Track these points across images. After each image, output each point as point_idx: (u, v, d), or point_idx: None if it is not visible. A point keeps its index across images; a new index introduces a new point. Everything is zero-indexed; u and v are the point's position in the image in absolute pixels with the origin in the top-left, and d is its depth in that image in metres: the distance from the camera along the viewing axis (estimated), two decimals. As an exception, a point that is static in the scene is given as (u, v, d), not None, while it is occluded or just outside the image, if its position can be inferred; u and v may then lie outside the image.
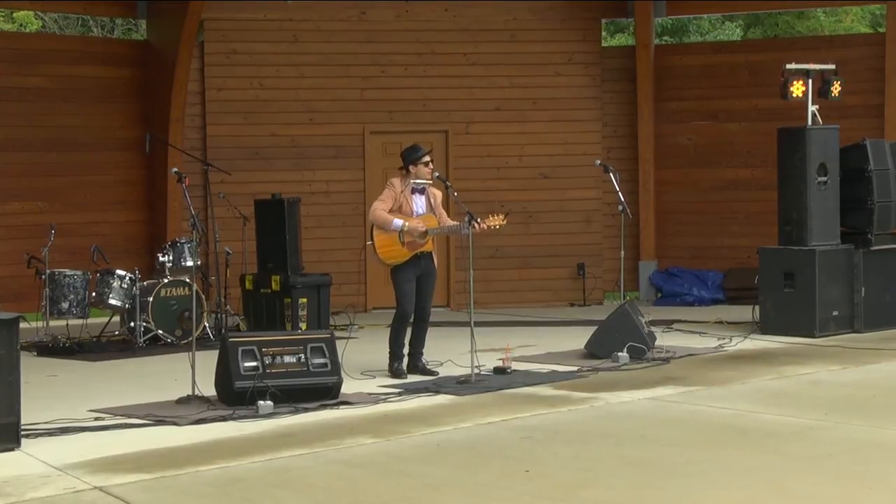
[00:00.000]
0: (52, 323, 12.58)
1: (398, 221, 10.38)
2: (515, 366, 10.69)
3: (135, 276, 12.75)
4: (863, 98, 15.25)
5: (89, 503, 6.55)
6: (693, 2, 17.93)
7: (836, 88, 13.24)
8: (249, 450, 7.67)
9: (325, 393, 9.19)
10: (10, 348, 7.64)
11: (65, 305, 12.57)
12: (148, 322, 12.60)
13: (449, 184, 10.75)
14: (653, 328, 11.80)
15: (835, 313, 12.85)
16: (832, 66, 13.41)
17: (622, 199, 11.94)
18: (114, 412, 8.89)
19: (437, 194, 10.73)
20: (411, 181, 10.54)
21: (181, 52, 15.01)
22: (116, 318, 13.08)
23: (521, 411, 8.90)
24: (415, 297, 10.51)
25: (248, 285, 13.43)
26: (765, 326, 12.92)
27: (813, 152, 12.88)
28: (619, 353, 11.02)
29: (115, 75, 15.49)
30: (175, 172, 10.32)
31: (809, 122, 13.04)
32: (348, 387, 9.59)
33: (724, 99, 16.46)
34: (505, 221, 10.43)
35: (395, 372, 10.49)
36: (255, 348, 9.11)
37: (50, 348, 12.20)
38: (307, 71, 15.84)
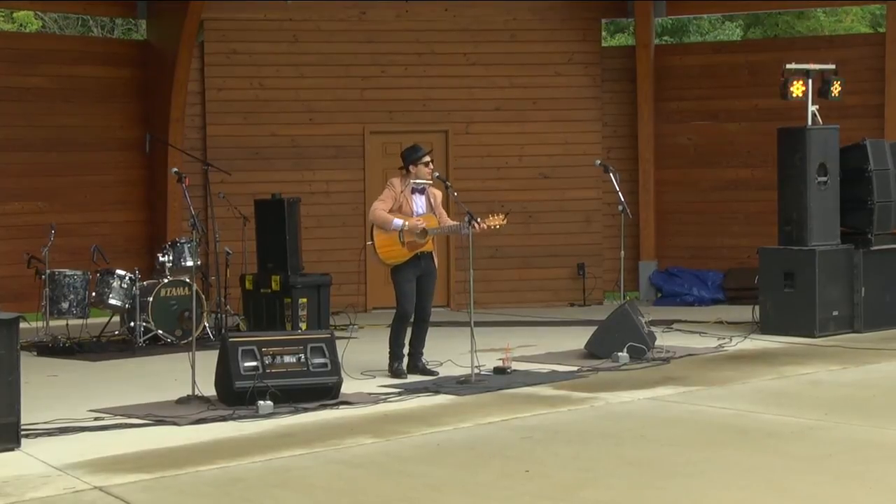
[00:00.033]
0: (52, 323, 12.58)
1: (398, 221, 10.38)
2: (515, 366, 10.69)
3: (135, 276, 12.75)
4: (863, 98, 15.25)
5: (89, 503, 6.55)
6: (693, 2, 17.93)
7: (836, 88, 13.24)
8: (249, 450, 7.67)
9: (325, 393, 9.19)
10: (10, 348, 7.64)
11: (65, 305, 12.57)
12: (148, 322, 12.60)
13: (449, 184, 10.75)
14: (653, 328, 11.80)
15: (835, 313, 12.85)
16: (832, 66, 13.41)
17: (622, 199, 11.94)
18: (114, 412, 8.89)
19: (438, 194, 10.73)
20: (411, 181, 10.54)
21: (181, 52, 15.02)
22: (116, 318, 13.08)
23: (521, 411, 8.90)
24: (415, 297, 10.52)
25: (248, 285, 13.43)
26: (765, 326, 12.92)
27: (813, 152, 12.88)
28: (619, 353, 11.02)
29: (115, 75, 15.49)
30: (175, 172, 10.32)
31: (809, 122, 13.04)
32: (348, 387, 9.59)
33: (724, 99, 16.46)
34: (505, 221, 10.43)
35: (395, 372, 10.49)
36: (255, 348, 9.11)
37: (50, 348, 12.20)
38: (307, 71, 15.84)
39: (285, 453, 7.59)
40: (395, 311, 10.63)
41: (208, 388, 9.22)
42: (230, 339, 9.17)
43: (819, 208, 12.92)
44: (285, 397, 8.95)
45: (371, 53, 15.95)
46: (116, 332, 12.97)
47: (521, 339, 12.50)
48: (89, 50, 16.06)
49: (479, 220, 10.18)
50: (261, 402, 8.80)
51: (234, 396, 8.92)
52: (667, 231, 16.72)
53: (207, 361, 9.43)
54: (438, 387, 9.82)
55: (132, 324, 12.59)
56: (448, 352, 11.08)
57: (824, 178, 12.98)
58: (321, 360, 9.28)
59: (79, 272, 12.70)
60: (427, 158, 10.59)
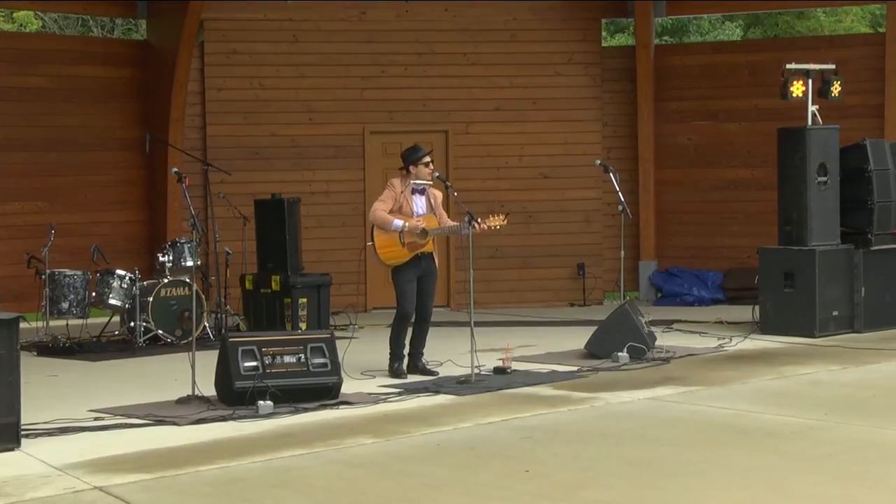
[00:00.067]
0: (52, 323, 12.58)
1: (398, 222, 10.37)
2: (515, 366, 10.69)
3: (135, 276, 12.75)
4: (863, 98, 15.25)
5: (89, 503, 6.55)
6: (693, 2, 17.93)
7: (836, 88, 13.24)
8: (249, 450, 7.67)
9: (325, 393, 9.19)
10: (10, 348, 7.64)
11: (65, 305, 12.57)
12: (148, 322, 12.60)
13: (449, 184, 10.75)
14: (653, 328, 11.80)
15: (835, 313, 12.85)
16: (832, 66, 13.41)
17: (622, 199, 11.94)
18: (114, 412, 8.89)
19: (438, 195, 10.73)
20: (411, 182, 10.54)
21: (181, 52, 15.01)
22: (116, 318, 13.08)
23: (521, 411, 8.90)
24: (416, 298, 10.51)
25: (248, 285, 13.43)
26: (765, 326, 12.92)
27: (813, 152, 12.88)
28: (619, 353, 11.02)
29: (115, 75, 15.48)
30: (175, 172, 10.32)
31: (809, 122, 13.04)
32: (348, 387, 9.59)
33: (724, 99, 16.46)
34: (505, 222, 10.43)
35: (395, 372, 10.49)
36: (255, 348, 9.11)
37: (50, 348, 12.20)
38: (307, 71, 15.84)
39: (285, 453, 7.59)
40: (395, 311, 10.63)
41: (208, 388, 9.22)
42: (230, 339, 9.17)
43: (819, 208, 12.92)
44: (285, 397, 8.95)
45: (371, 53, 15.95)
46: (116, 332, 12.97)
47: (521, 339, 12.49)
48: (89, 50, 16.06)
49: (479, 220, 10.18)
50: (261, 402, 8.80)
51: (234, 396, 8.92)
52: (667, 231, 16.72)
53: (207, 361, 9.43)
54: (438, 387, 9.82)
55: (132, 324, 12.59)
56: (448, 352, 11.08)
57: (824, 178, 12.98)
58: (321, 360, 9.28)
59: (79, 272, 12.70)
60: (427, 159, 10.58)
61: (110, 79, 15.43)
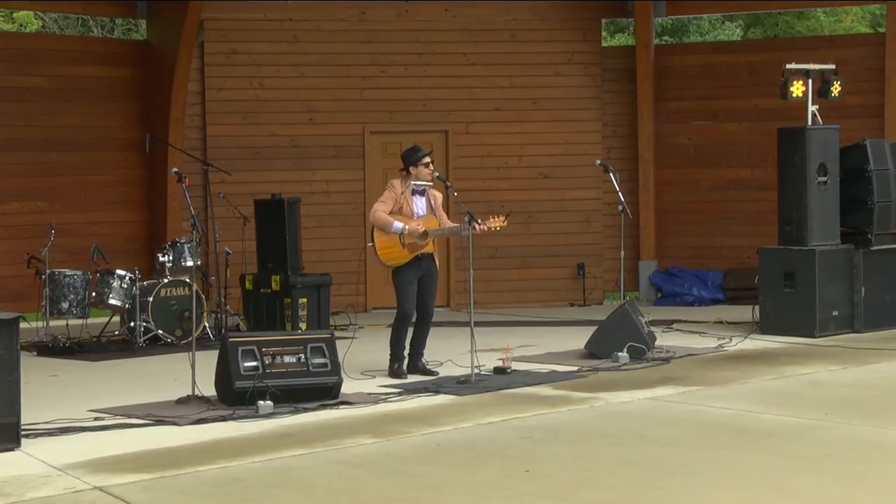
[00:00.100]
0: (52, 323, 12.58)
1: (398, 224, 10.37)
2: (515, 366, 10.69)
3: (135, 276, 12.75)
4: (863, 98, 15.25)
5: (89, 503, 6.55)
6: (693, 2, 17.93)
7: (836, 88, 13.24)
8: (249, 450, 7.68)
9: (325, 393, 9.19)
10: (10, 348, 7.64)
11: (65, 305, 12.57)
12: (148, 322, 12.60)
13: (449, 184, 10.75)
14: (653, 328, 11.80)
15: (835, 313, 12.85)
16: (832, 66, 13.41)
17: (622, 199, 11.94)
18: (114, 412, 8.89)
19: (438, 196, 10.73)
20: (412, 183, 10.53)
21: (181, 52, 15.02)
22: (116, 318, 13.09)
23: (521, 411, 8.90)
24: (418, 298, 10.51)
25: (248, 285, 13.42)
26: (765, 326, 12.92)
27: (813, 152, 12.88)
28: (619, 353, 11.02)
29: (115, 75, 15.48)
30: (175, 172, 10.32)
31: (809, 122, 13.04)
32: (348, 387, 9.59)
33: (724, 99, 16.46)
34: (505, 223, 10.43)
35: (395, 373, 10.48)
36: (255, 348, 9.11)
37: (50, 348, 12.20)
38: (307, 71, 15.84)
39: (285, 453, 7.59)
40: (395, 311, 10.63)
41: (208, 388, 9.22)
42: (230, 339, 9.17)
43: (819, 208, 12.92)
44: (285, 397, 8.95)
45: (371, 53, 15.95)
46: (116, 332, 12.97)
47: (521, 339, 12.50)
48: (89, 50, 16.06)
49: (479, 220, 10.18)
50: (261, 402, 8.80)
51: (234, 396, 8.92)
52: (667, 231, 16.72)
53: (207, 361, 9.43)
54: (438, 387, 9.82)
55: (132, 324, 12.59)
56: (448, 352, 11.08)
57: (824, 178, 12.98)
58: (321, 360, 9.28)
59: (79, 272, 12.70)
60: (427, 159, 10.58)
61: (110, 79, 15.43)
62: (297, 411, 8.84)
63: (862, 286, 13.02)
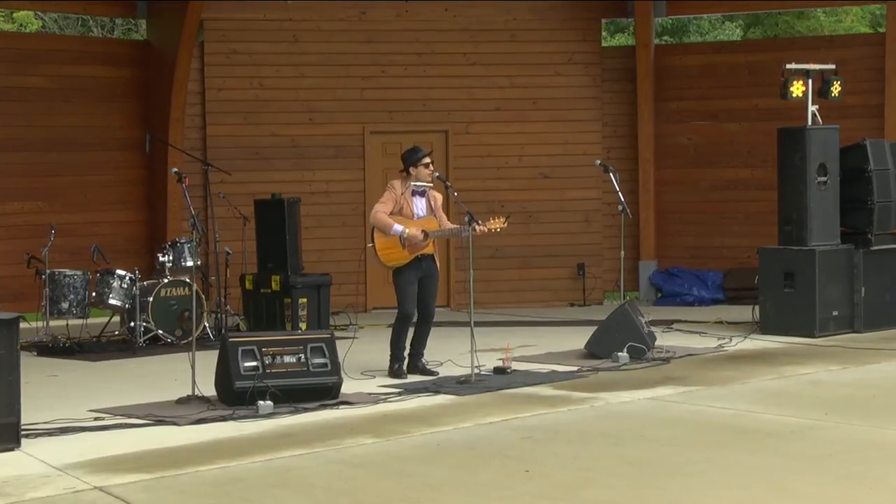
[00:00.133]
0: (52, 323, 12.58)
1: (398, 227, 10.36)
2: (515, 366, 10.69)
3: (135, 276, 12.75)
4: (863, 98, 15.25)
5: (89, 503, 6.55)
6: (693, 2, 17.93)
7: (836, 88, 13.24)
8: (249, 450, 7.68)
9: (325, 393, 9.19)
10: (10, 348, 7.64)
11: (65, 305, 12.57)
12: (148, 322, 12.60)
13: (449, 184, 10.75)
14: (653, 328, 11.79)
15: (835, 313, 12.85)
16: (832, 66, 13.41)
17: (622, 199, 11.94)
18: (114, 412, 8.89)
19: (438, 197, 10.73)
20: (412, 183, 10.53)
21: (181, 52, 15.01)
22: (116, 318, 13.09)
23: (521, 411, 8.90)
24: (419, 299, 10.52)
25: (248, 285, 13.43)
26: (765, 326, 12.92)
27: (813, 152, 12.88)
28: (619, 353, 11.02)
29: (115, 75, 15.48)
30: (175, 172, 10.32)
31: (809, 122, 13.04)
32: (348, 387, 9.59)
33: (724, 99, 16.46)
34: (506, 225, 10.43)
35: (395, 373, 10.48)
36: (255, 348, 9.11)
37: (50, 348, 12.20)
38: (307, 71, 15.84)
39: (285, 453, 7.59)
40: (396, 312, 10.63)
41: (208, 388, 9.22)
42: (230, 339, 9.17)
43: (819, 208, 12.92)
44: (285, 397, 8.95)
45: (371, 53, 15.95)
46: (116, 332, 12.97)
47: (521, 339, 12.50)
48: (89, 50, 16.06)
49: (479, 221, 10.19)
50: (261, 402, 8.80)
51: (234, 396, 8.92)
52: (667, 231, 16.72)
53: (207, 361, 9.43)
54: (438, 387, 9.82)
55: (132, 324, 12.59)
56: (448, 352, 11.08)
57: (824, 178, 12.98)
58: (321, 360, 9.28)
59: (79, 272, 12.70)
60: (427, 160, 10.58)
61: (110, 79, 15.43)
62: (297, 411, 8.83)
63: (862, 286, 13.02)
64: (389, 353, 10.59)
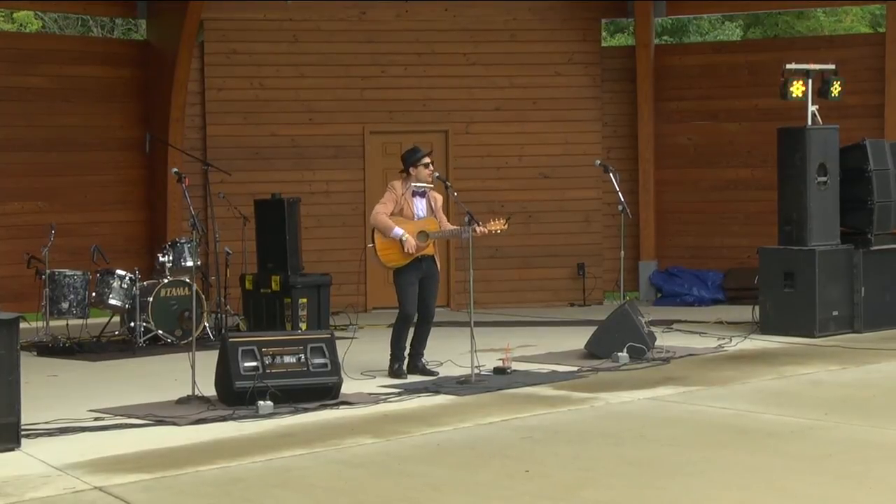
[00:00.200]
0: (52, 323, 12.58)
1: (398, 230, 10.36)
2: (515, 366, 10.69)
3: (135, 276, 12.75)
4: (863, 98, 15.25)
5: (89, 503, 6.55)
6: (693, 2, 17.94)
7: (836, 88, 13.24)
8: (249, 450, 7.68)
9: (325, 393, 9.19)
10: (10, 348, 7.64)
11: (65, 305, 12.57)
12: (148, 322, 12.60)
13: (449, 184, 10.75)
14: (653, 328, 11.80)
15: (835, 313, 12.85)
16: (832, 66, 13.42)
17: (622, 199, 11.94)
18: (114, 412, 8.89)
19: (438, 198, 10.73)
20: (412, 184, 10.53)
21: (181, 52, 15.01)
22: (116, 318, 13.09)
23: (521, 411, 8.90)
24: (419, 299, 10.52)
25: (248, 285, 13.43)
26: (765, 326, 12.92)
27: (813, 152, 12.88)
28: (619, 353, 11.02)
29: (115, 75, 15.49)
30: (175, 172, 10.32)
31: (809, 122, 13.05)
32: (348, 387, 9.59)
33: (724, 99, 16.46)
34: (506, 226, 10.43)
35: (395, 373, 10.48)
36: (255, 348, 9.11)
37: (50, 348, 12.20)
38: (307, 71, 15.84)
39: (285, 453, 7.59)
40: (396, 312, 10.63)
41: (208, 388, 9.22)
42: (230, 339, 9.17)
43: (819, 208, 12.92)
44: (285, 397, 8.95)
45: (371, 53, 15.95)
46: (116, 332, 12.97)
47: (521, 339, 12.50)
48: (89, 50, 16.06)
49: (479, 222, 10.19)
50: (261, 402, 8.80)
51: (234, 396, 8.92)
52: (667, 231, 16.72)
53: (207, 361, 9.43)
54: (438, 387, 9.82)
55: (132, 324, 12.59)
56: (448, 352, 11.08)
57: (824, 178, 12.98)
58: (321, 361, 9.28)
59: (79, 272, 12.70)
60: (427, 160, 10.58)
61: (110, 79, 15.43)
62: (297, 411, 8.84)
63: (862, 286, 13.02)
64: (389, 353, 10.60)
